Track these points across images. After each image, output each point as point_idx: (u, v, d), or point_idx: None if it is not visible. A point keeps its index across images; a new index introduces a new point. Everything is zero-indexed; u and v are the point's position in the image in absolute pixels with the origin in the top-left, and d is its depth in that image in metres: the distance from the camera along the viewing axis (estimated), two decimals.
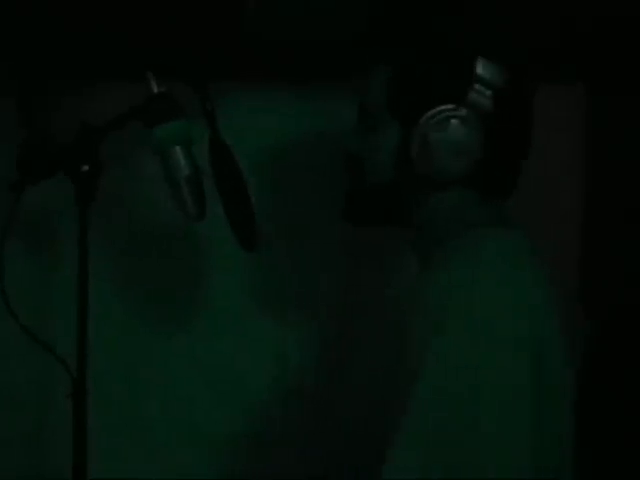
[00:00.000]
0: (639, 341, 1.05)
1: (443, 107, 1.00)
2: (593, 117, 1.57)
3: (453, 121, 0.99)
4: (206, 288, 1.63)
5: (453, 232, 1.04)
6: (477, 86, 0.99)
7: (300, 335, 1.63)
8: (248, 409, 1.63)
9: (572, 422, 0.97)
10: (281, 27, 1.40)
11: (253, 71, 1.47)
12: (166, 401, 1.62)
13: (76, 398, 1.18)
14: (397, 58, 1.07)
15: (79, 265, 1.22)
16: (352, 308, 1.61)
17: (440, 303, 0.94)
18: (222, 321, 1.62)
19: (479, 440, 0.90)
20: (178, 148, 1.24)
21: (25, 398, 1.59)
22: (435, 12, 1.12)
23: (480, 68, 1.00)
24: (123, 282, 1.64)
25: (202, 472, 1.61)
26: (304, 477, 1.57)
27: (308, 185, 1.61)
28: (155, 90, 1.26)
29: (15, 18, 1.29)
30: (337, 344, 1.61)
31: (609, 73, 1.48)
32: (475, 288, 0.93)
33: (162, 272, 1.63)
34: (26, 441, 1.59)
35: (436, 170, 1.02)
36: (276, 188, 1.61)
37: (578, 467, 0.97)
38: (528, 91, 1.07)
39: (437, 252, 1.04)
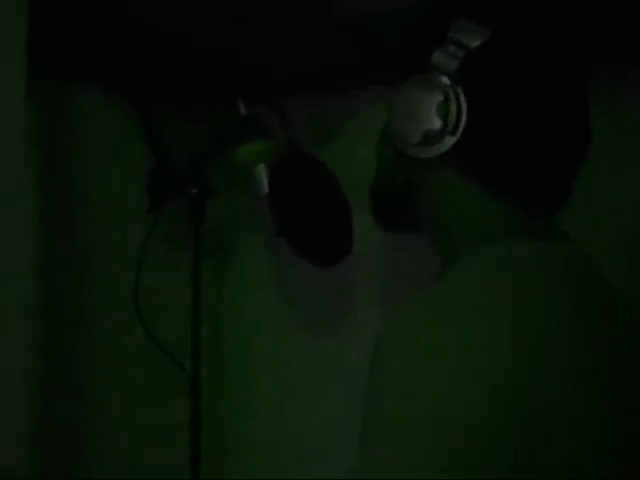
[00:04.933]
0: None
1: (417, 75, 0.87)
2: None
3: (409, 83, 0.87)
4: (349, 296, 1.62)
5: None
6: (448, 47, 0.85)
7: None
8: None
9: None
10: None
11: None
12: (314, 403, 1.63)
13: (193, 396, 1.37)
14: None
15: (193, 272, 1.41)
16: None
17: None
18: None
19: None
20: (261, 167, 1.35)
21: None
22: None
23: (454, 29, 0.85)
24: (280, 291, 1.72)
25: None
26: None
27: None
28: (243, 113, 1.43)
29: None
30: None
31: None
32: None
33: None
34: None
35: (398, 136, 0.88)
36: None
37: None
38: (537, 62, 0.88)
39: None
